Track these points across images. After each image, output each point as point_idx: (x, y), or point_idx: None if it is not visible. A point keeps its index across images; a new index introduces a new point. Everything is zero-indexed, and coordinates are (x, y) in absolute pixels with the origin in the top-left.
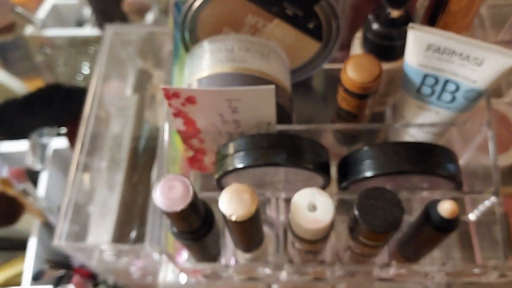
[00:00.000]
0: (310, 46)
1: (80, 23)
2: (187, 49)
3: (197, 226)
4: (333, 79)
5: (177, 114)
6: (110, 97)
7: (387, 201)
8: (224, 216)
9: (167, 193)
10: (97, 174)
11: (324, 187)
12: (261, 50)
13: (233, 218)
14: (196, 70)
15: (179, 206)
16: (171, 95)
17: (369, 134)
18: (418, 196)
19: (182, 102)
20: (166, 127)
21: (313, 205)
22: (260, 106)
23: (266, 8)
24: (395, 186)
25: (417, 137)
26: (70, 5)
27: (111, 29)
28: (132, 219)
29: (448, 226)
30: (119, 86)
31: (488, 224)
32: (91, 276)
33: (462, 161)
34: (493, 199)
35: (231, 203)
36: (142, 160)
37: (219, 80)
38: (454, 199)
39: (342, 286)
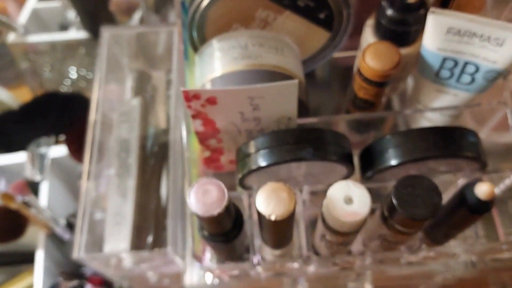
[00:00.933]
0: (320, 37)
1: (64, 27)
2: (195, 49)
3: (229, 228)
4: (338, 67)
5: (196, 115)
6: (110, 102)
7: (424, 188)
8: (261, 216)
9: (202, 198)
10: (104, 181)
11: (347, 177)
12: (274, 44)
13: (273, 218)
14: (208, 70)
15: (216, 210)
16: (191, 97)
17: (380, 121)
18: (439, 180)
19: (202, 103)
20: (184, 130)
21: (350, 198)
22: (282, 102)
23: (278, 1)
24: (417, 172)
25: (435, 120)
26: (51, 9)
27: (107, 32)
28: (147, 224)
29: (484, 207)
30: (118, 90)
31: (506, 200)
32: (104, 283)
33: None
34: None
35: (269, 203)
36: (150, 164)
37: (235, 79)
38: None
39: (368, 274)
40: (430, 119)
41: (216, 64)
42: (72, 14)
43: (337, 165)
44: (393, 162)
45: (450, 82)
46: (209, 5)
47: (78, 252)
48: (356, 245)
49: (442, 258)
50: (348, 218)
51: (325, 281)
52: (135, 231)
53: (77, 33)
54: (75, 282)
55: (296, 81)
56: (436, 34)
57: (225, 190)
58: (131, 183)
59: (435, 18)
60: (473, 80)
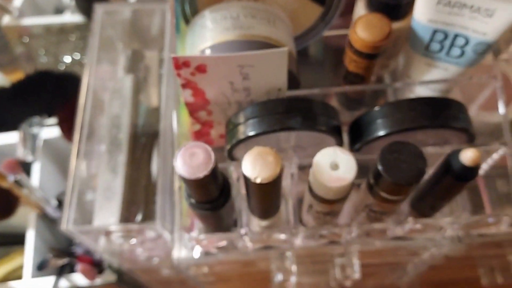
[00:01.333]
0: (312, 12)
1: (59, 10)
2: (187, 22)
3: (216, 195)
4: (331, 47)
5: (185, 85)
6: (102, 81)
7: (410, 154)
8: (247, 180)
9: (189, 160)
10: (95, 163)
11: None
12: (266, 16)
13: (258, 181)
14: (199, 41)
15: (202, 172)
16: (180, 64)
17: (372, 99)
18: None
19: (192, 71)
20: (174, 112)
21: (336, 164)
22: (272, 71)
23: None
24: None
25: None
26: None
27: (101, 9)
28: (137, 201)
29: (469, 174)
30: (110, 69)
31: (492, 178)
32: (94, 263)
33: None
34: (503, 150)
35: (255, 166)
36: (142, 142)
37: (225, 49)
38: None
39: (355, 248)
40: (419, 95)
41: (208, 34)
42: None
43: (326, 136)
44: (381, 132)
45: (440, 56)
46: None
47: (67, 225)
48: (343, 219)
49: (429, 231)
50: (334, 183)
51: (312, 257)
52: (125, 206)
53: (72, 17)
54: (65, 260)
55: (285, 49)
56: (426, 5)
57: (212, 153)
58: (122, 158)
59: None
60: (463, 53)
